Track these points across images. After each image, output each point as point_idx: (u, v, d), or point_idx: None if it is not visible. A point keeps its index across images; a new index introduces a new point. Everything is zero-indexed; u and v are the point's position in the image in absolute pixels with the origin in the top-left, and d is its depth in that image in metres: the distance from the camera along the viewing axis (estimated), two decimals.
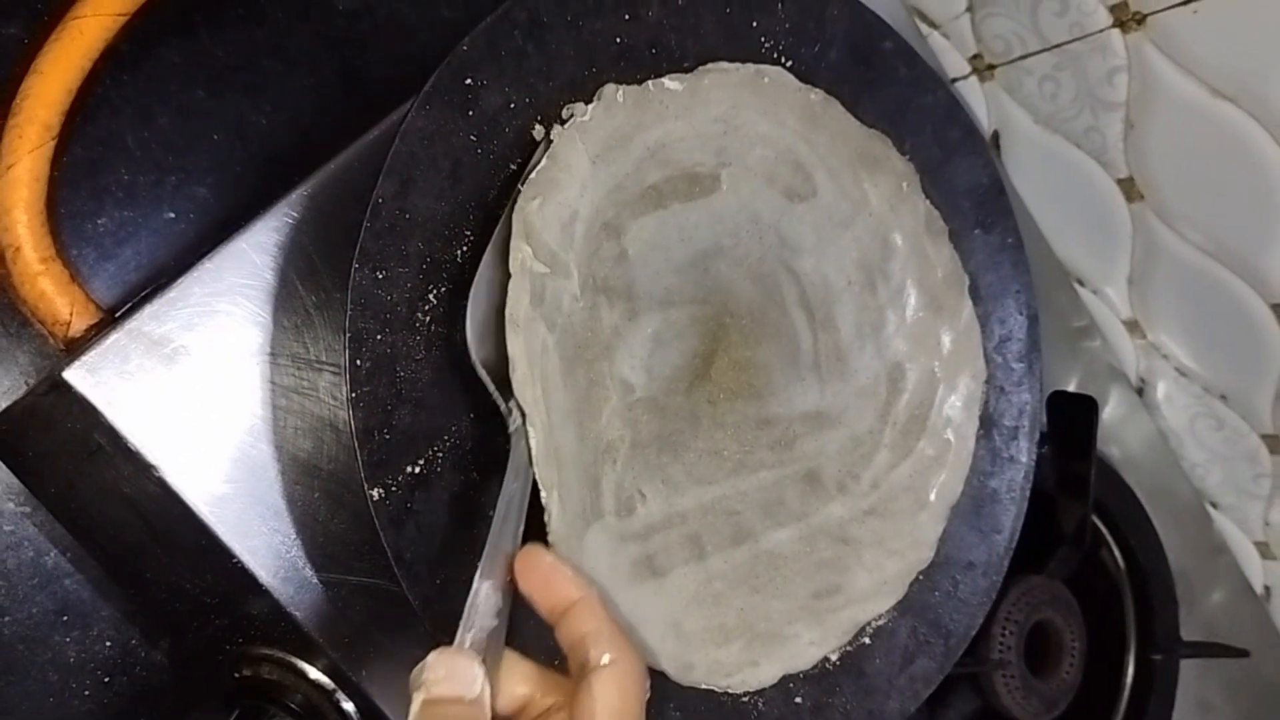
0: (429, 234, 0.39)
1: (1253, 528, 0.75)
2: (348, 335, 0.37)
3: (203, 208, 0.47)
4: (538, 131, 0.42)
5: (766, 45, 0.47)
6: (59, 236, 0.44)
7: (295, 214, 0.42)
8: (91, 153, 0.45)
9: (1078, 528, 0.64)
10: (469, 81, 0.40)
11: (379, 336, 0.38)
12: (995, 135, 0.71)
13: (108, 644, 0.46)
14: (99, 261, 0.45)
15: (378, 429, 0.37)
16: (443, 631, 0.38)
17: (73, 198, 0.44)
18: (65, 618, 0.45)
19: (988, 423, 0.53)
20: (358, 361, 0.37)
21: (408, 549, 0.38)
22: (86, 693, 0.45)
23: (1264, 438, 0.70)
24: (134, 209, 0.46)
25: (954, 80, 0.71)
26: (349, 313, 0.37)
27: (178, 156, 0.47)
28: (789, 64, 0.48)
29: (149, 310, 0.40)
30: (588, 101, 0.43)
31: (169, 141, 0.47)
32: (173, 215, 0.46)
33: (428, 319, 0.39)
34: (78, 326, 0.42)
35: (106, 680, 0.46)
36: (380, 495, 0.37)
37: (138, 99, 0.46)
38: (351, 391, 0.37)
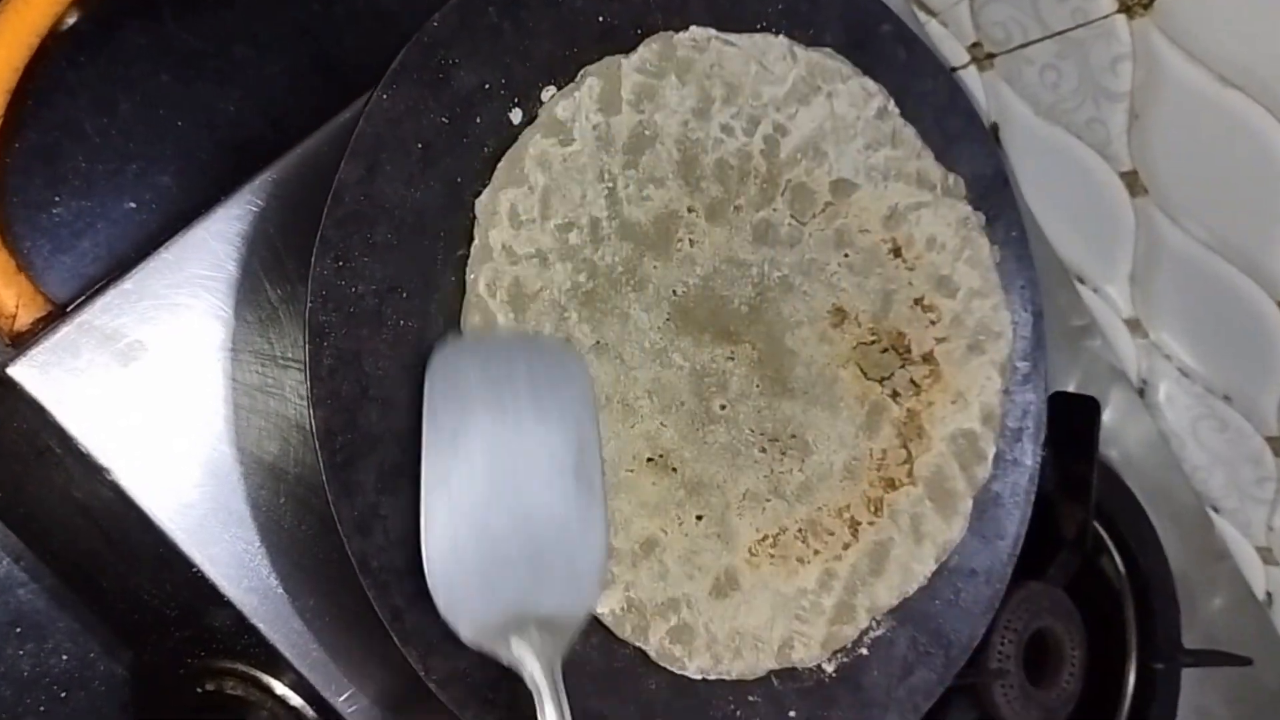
0: (397, 222, 0.38)
1: (1255, 532, 0.74)
2: (308, 329, 0.36)
3: (166, 198, 0.46)
4: (514, 115, 0.40)
5: (759, 27, 0.46)
6: (9, 226, 0.42)
7: (260, 201, 0.41)
8: (47, 138, 0.44)
9: (1078, 532, 0.63)
10: (440, 60, 0.39)
11: (343, 331, 0.37)
12: (994, 127, 0.70)
13: (64, 657, 0.45)
14: (54, 253, 0.44)
15: (341, 430, 0.36)
16: (411, 645, 0.37)
17: (25, 186, 0.43)
18: (19, 629, 0.44)
19: None
20: (319, 358, 0.36)
21: (374, 557, 0.37)
22: (42, 708, 0.44)
23: (1268, 440, 0.69)
24: (92, 198, 0.44)
25: (952, 70, 0.70)
26: (309, 305, 0.36)
27: (140, 144, 0.46)
28: None
29: (102, 303, 0.39)
30: (567, 84, 0.41)
31: (130, 128, 0.45)
32: (134, 205, 0.45)
33: (395, 313, 0.38)
34: (24, 320, 0.41)
35: (63, 695, 0.45)
36: (345, 500, 0.35)
37: (97, 83, 0.45)
38: (313, 389, 0.35)
